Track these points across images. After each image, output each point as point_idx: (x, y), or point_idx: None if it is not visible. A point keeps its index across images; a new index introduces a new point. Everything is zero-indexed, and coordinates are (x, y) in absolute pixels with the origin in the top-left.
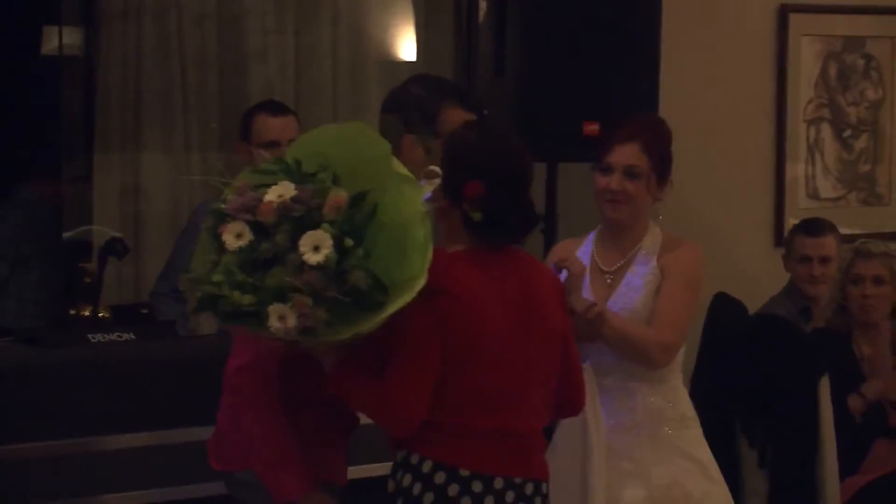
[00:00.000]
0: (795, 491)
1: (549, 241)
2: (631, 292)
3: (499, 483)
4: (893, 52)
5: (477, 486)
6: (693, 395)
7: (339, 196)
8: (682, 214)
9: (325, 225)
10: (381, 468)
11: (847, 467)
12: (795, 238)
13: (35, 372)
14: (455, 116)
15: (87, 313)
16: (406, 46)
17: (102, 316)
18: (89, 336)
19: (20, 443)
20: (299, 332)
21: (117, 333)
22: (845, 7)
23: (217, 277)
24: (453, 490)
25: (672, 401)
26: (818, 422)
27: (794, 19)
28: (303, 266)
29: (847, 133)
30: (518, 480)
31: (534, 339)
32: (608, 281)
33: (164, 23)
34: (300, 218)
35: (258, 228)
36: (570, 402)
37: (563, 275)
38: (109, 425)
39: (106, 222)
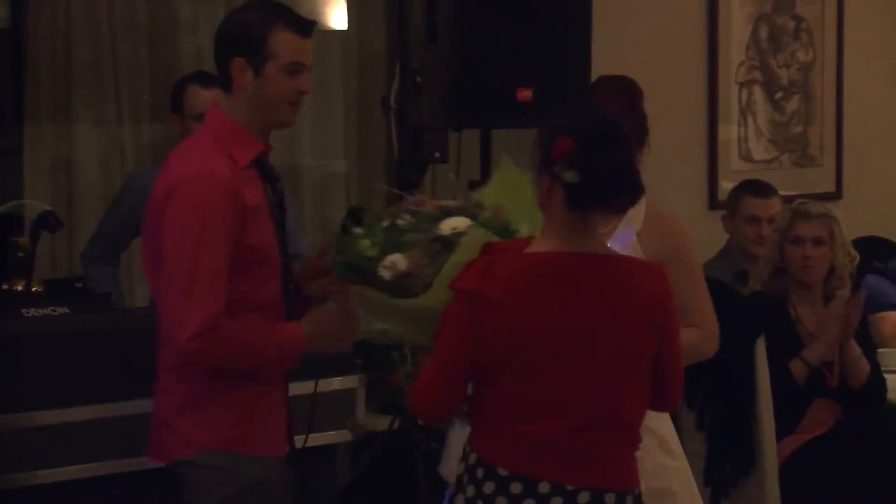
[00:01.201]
0: (733, 451)
1: None
2: (618, 244)
3: (544, 487)
4: (824, 14)
5: (516, 488)
6: None
7: (500, 205)
8: None
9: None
10: None
11: (784, 428)
12: (742, 199)
13: None
14: (285, 40)
15: (20, 288)
16: (337, 14)
17: (36, 290)
18: (23, 311)
19: None
20: (400, 278)
21: (52, 308)
22: None
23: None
24: (489, 488)
25: None
26: (755, 384)
27: None
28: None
29: (779, 95)
30: (570, 488)
31: (596, 352)
32: None
33: None
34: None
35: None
36: (671, 404)
37: None
38: (45, 400)
39: (37, 196)
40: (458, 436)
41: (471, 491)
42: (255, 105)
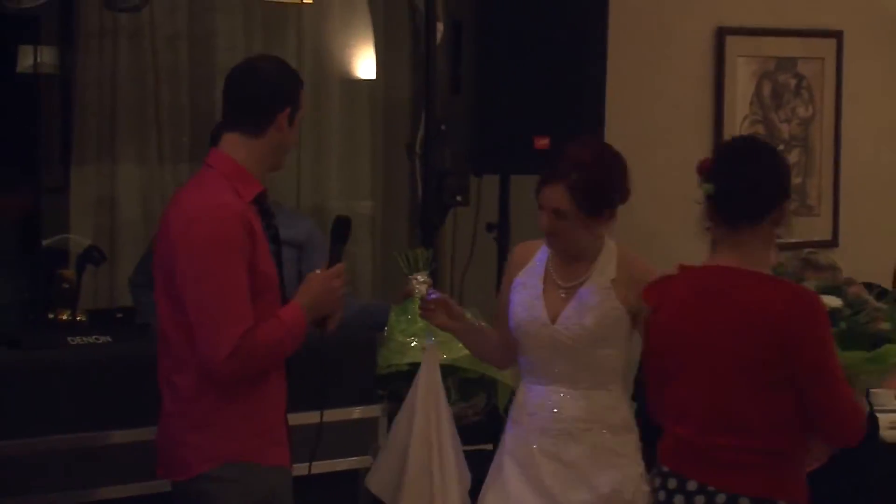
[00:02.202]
0: None
1: (503, 248)
2: (583, 308)
3: (692, 485)
4: (823, 73)
5: (672, 483)
6: (636, 397)
7: None
8: (632, 222)
9: None
10: None
11: None
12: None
13: (17, 373)
14: (302, 94)
15: (65, 317)
16: (366, 65)
17: (80, 319)
18: (69, 339)
19: (2, 440)
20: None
21: (95, 336)
22: (778, 30)
23: None
24: (656, 482)
25: (613, 406)
26: None
27: (731, 41)
28: None
29: (780, 148)
30: (711, 489)
31: (717, 359)
32: (562, 295)
33: (138, 41)
34: None
35: None
36: (833, 436)
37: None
38: (88, 423)
39: (81, 231)
40: (388, 449)
41: (650, 483)
42: (276, 149)
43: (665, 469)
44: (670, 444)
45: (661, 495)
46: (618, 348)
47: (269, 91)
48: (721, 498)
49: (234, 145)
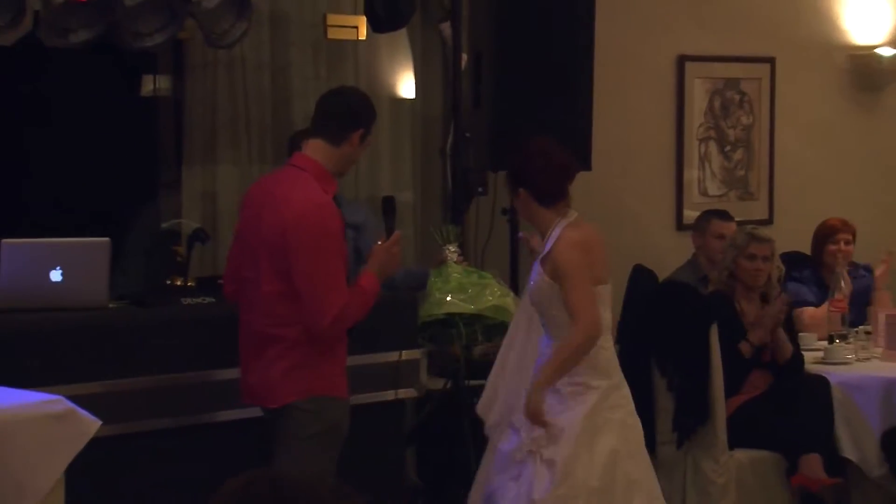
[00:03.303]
0: (693, 407)
1: (514, 227)
2: (534, 273)
3: None
4: (760, 89)
5: None
6: (619, 341)
7: None
8: (612, 209)
9: None
10: None
11: (730, 390)
12: (712, 221)
13: (142, 325)
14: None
15: (179, 283)
16: (407, 87)
17: (190, 285)
18: (182, 299)
19: (131, 377)
20: None
21: (202, 297)
22: (726, 57)
23: None
24: None
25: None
26: (709, 358)
27: (689, 66)
28: None
29: (727, 148)
30: None
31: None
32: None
33: (231, 71)
34: None
35: None
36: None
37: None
38: (196, 364)
39: (191, 216)
40: (494, 378)
41: None
42: (348, 160)
43: None
44: None
45: None
46: (559, 310)
47: (352, 112)
48: None
49: (316, 149)
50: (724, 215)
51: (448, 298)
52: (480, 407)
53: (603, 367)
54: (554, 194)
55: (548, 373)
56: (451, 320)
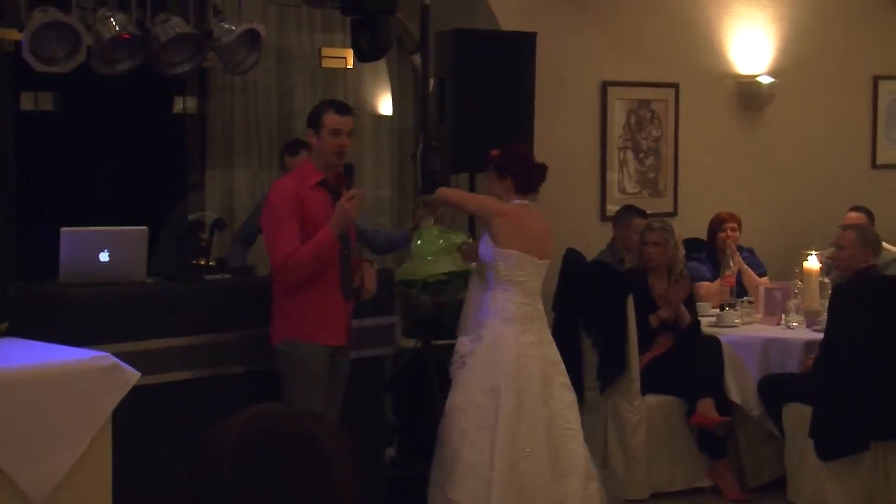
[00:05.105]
0: (613, 361)
1: (470, 217)
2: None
3: None
4: (667, 108)
5: None
6: (554, 308)
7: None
8: (549, 203)
9: None
10: None
11: (642, 347)
12: (633, 217)
13: (172, 297)
14: (329, 118)
15: (203, 262)
16: (386, 105)
17: (212, 264)
18: (205, 276)
19: (163, 338)
20: None
21: (221, 274)
22: (641, 83)
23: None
24: None
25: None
26: (626, 322)
27: (611, 90)
28: None
29: (641, 155)
30: None
31: None
32: None
33: (245, 93)
34: None
35: None
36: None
37: None
38: (215, 327)
39: (213, 209)
40: (462, 342)
41: None
42: (318, 152)
43: None
44: None
45: None
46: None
47: (308, 120)
48: None
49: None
50: (642, 214)
51: (429, 258)
52: (453, 369)
53: (517, 317)
54: (531, 187)
55: (450, 193)
56: (447, 277)
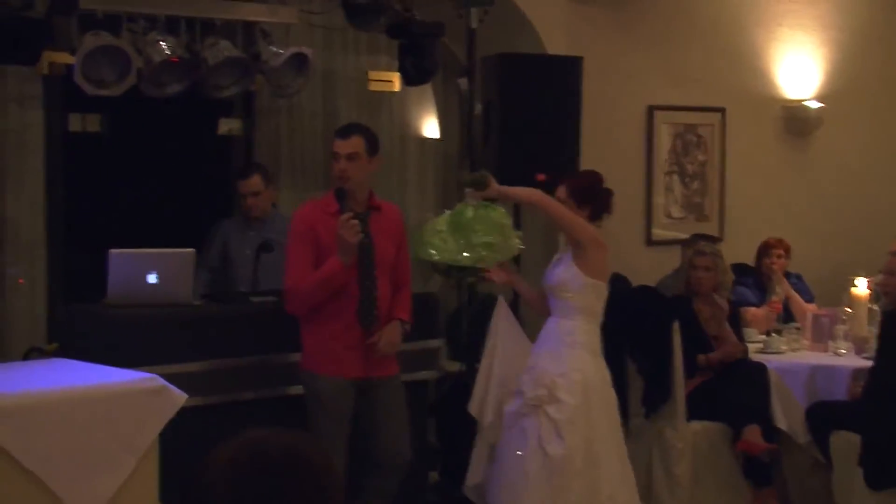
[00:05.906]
0: (658, 387)
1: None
2: (558, 267)
3: None
4: (713, 133)
5: None
6: (603, 333)
7: None
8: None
9: None
10: None
11: (688, 373)
12: (698, 241)
13: (218, 318)
14: (333, 142)
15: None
16: (432, 128)
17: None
18: (251, 298)
19: (212, 359)
20: None
21: (267, 296)
22: (686, 107)
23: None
24: None
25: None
26: (671, 347)
27: (657, 114)
28: None
29: (687, 179)
30: None
31: None
32: None
33: (291, 116)
34: None
35: None
36: None
37: None
38: (262, 348)
39: None
40: (483, 381)
41: None
42: (334, 175)
43: None
44: None
45: None
46: (574, 294)
47: None
48: None
49: None
50: (711, 240)
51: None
52: (473, 407)
53: (598, 350)
54: (601, 215)
55: (552, 202)
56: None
